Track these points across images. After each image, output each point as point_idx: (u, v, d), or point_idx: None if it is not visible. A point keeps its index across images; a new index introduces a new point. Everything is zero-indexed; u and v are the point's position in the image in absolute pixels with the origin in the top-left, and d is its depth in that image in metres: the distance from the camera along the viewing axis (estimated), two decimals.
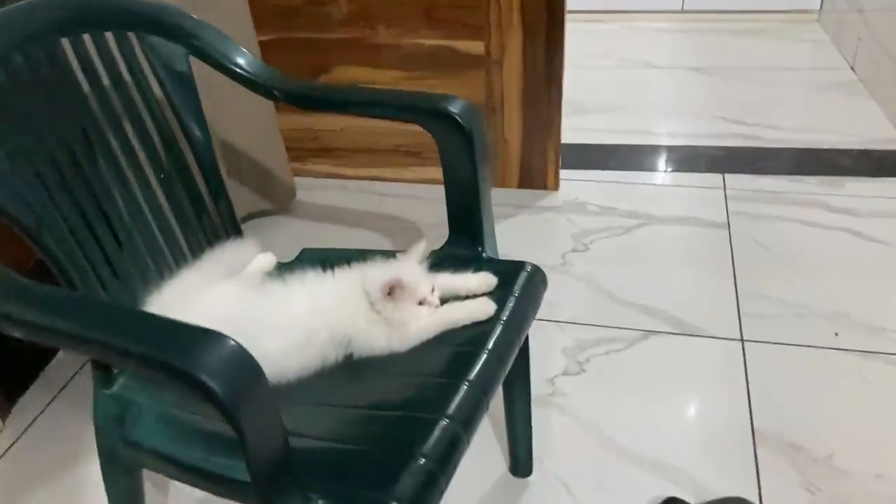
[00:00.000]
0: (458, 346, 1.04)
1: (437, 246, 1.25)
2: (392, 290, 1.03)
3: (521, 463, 1.41)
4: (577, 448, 1.47)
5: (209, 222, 1.22)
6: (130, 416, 0.99)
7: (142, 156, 1.13)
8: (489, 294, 1.11)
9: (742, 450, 1.44)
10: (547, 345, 1.73)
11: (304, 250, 1.29)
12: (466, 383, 0.97)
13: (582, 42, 3.51)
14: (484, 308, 1.07)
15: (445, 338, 1.05)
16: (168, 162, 1.17)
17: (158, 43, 1.14)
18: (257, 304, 1.07)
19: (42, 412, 1.62)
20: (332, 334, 1.02)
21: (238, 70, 1.18)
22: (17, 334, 0.77)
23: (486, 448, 1.47)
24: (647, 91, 3.05)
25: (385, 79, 2.22)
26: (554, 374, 1.65)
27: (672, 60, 3.33)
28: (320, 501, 0.83)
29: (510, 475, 1.42)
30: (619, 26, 3.72)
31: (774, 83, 3.04)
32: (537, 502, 1.37)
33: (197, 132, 1.19)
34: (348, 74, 2.23)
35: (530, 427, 1.37)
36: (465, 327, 1.07)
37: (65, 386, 1.67)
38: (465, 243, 1.22)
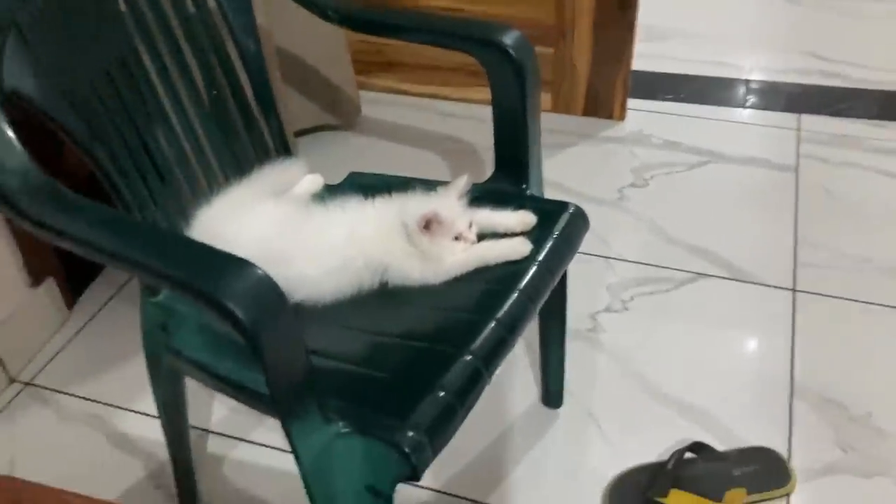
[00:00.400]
0: (491, 283, 1.05)
1: (486, 177, 1.25)
2: (429, 224, 1.04)
3: (551, 394, 1.43)
4: (611, 385, 1.49)
5: (259, 139, 1.23)
6: (173, 324, 1.04)
7: (193, 69, 1.15)
8: (527, 233, 1.11)
9: (778, 402, 1.44)
10: (592, 280, 1.73)
11: (351, 174, 1.30)
12: (494, 321, 0.99)
13: None
14: (519, 248, 1.08)
15: (479, 274, 1.06)
16: (219, 76, 1.18)
17: None
18: (298, 227, 1.10)
19: (104, 306, 1.71)
20: (367, 262, 1.05)
21: None
22: (62, 246, 0.81)
23: (519, 375, 1.50)
24: (731, 18, 2.90)
25: None
26: (596, 310, 1.65)
27: None
28: (340, 423, 0.87)
29: (541, 404, 1.46)
30: None
31: (873, 16, 2.85)
32: (564, 433, 1.41)
33: (250, 45, 1.19)
34: None
35: (563, 361, 1.39)
36: (499, 265, 1.07)
37: (123, 285, 1.76)
38: (509, 179, 1.22)
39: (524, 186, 1.21)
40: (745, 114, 2.29)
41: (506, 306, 1.01)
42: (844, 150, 2.09)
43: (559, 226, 1.14)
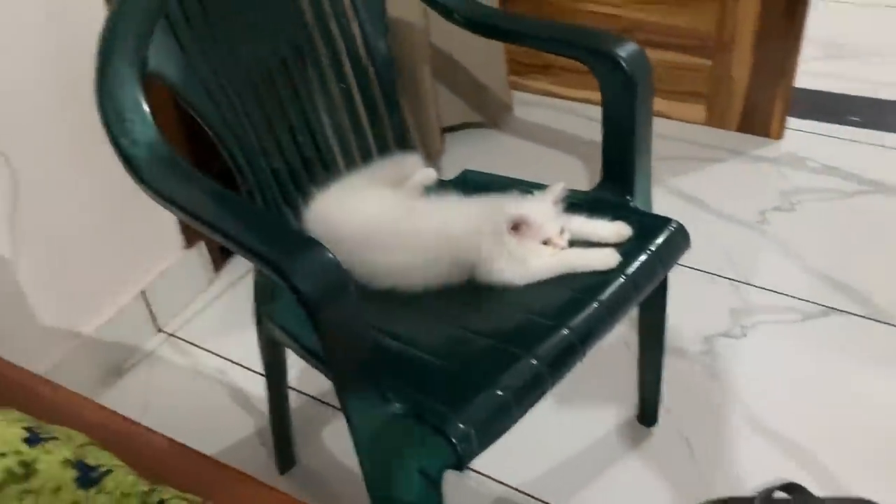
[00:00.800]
0: (574, 290, 1.06)
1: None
2: (517, 227, 1.06)
3: (645, 412, 1.41)
4: (711, 410, 1.45)
5: (381, 134, 1.31)
6: (277, 293, 1.14)
7: (326, 64, 1.24)
8: (620, 245, 1.11)
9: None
10: (714, 301, 1.67)
11: (464, 171, 1.35)
12: (567, 329, 1.00)
13: None
14: (605, 259, 1.08)
15: (565, 280, 1.07)
16: (351, 72, 1.27)
17: None
18: (399, 217, 1.16)
19: (246, 274, 1.87)
20: (456, 258, 1.09)
21: None
22: (172, 212, 0.92)
23: (622, 389, 1.48)
24: None
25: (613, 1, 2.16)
26: (712, 333, 1.60)
27: None
28: (396, 404, 0.92)
29: (636, 421, 1.44)
30: None
31: None
32: (653, 452, 1.38)
33: (381, 47, 1.27)
34: None
35: (659, 379, 1.37)
36: (588, 273, 1.08)
37: None
38: (614, 190, 1.21)
39: (628, 198, 1.21)
40: None
41: (582, 315, 1.02)
42: None
43: (656, 241, 1.12)
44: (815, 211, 1.89)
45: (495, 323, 1.04)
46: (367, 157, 1.31)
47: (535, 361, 0.96)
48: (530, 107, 2.42)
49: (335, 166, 1.27)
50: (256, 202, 1.13)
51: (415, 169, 1.32)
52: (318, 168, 1.25)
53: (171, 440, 0.89)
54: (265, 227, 0.88)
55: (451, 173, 1.36)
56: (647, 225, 1.15)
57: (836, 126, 2.19)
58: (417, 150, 1.34)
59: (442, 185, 1.31)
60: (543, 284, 1.08)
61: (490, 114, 2.31)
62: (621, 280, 1.07)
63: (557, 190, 1.11)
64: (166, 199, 0.91)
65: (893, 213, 1.87)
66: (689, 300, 1.67)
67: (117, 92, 0.96)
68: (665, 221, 1.16)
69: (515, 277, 1.08)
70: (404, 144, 1.34)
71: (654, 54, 2.14)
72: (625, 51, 1.12)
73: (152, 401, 1.57)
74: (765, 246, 1.81)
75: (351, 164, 1.29)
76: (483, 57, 2.18)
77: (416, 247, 1.11)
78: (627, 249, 1.10)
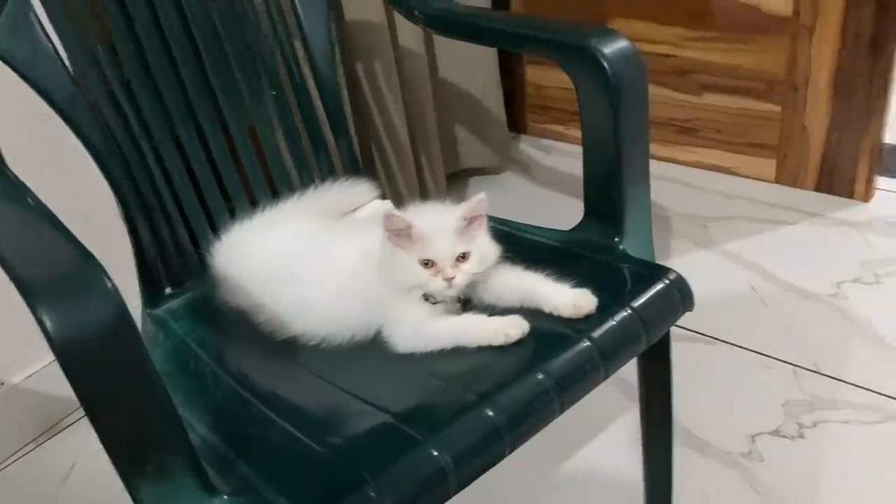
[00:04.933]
0: (514, 354, 0.78)
1: None
2: (399, 231, 0.79)
3: None
4: None
5: (325, 157, 1.08)
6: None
7: (262, 74, 1.03)
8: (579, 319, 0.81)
9: None
10: (766, 392, 1.33)
11: (416, 202, 1.10)
12: (491, 408, 0.71)
13: None
14: (507, 331, 0.78)
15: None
16: (286, 83, 1.06)
17: None
18: (314, 249, 0.92)
19: None
20: (366, 296, 0.84)
21: None
22: None
23: (626, 490, 1.16)
24: None
25: (666, 37, 1.88)
26: (760, 431, 1.25)
27: None
28: (226, 497, 0.65)
29: None
30: None
31: None
32: None
33: (319, 57, 1.05)
34: (626, 29, 1.91)
35: (667, 481, 1.04)
36: (546, 331, 0.79)
37: None
38: (598, 229, 0.93)
39: (616, 239, 0.92)
40: None
41: (516, 390, 0.73)
42: None
43: (641, 297, 0.83)
44: None
45: (400, 392, 0.77)
46: (309, 183, 1.08)
47: (436, 452, 0.68)
48: (541, 150, 2.20)
49: (264, 192, 1.05)
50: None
51: (365, 198, 1.09)
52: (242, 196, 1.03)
53: None
54: (26, 241, 0.63)
55: None
56: (634, 275, 0.86)
57: None
58: (370, 176, 1.10)
59: None
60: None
61: (493, 158, 2.06)
62: (583, 345, 0.78)
63: (474, 203, 0.82)
64: None
65: None
66: (736, 390, 1.34)
67: None
68: (660, 271, 0.86)
69: (393, 339, 0.82)
70: (356, 170, 1.10)
71: (716, 99, 1.91)
72: (607, 45, 0.86)
73: (80, 464, 1.35)
74: (838, 324, 1.45)
75: (286, 191, 1.06)
76: (481, 104, 1.97)
77: (327, 282, 0.86)
78: (602, 303, 0.81)
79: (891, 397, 1.28)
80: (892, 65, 1.64)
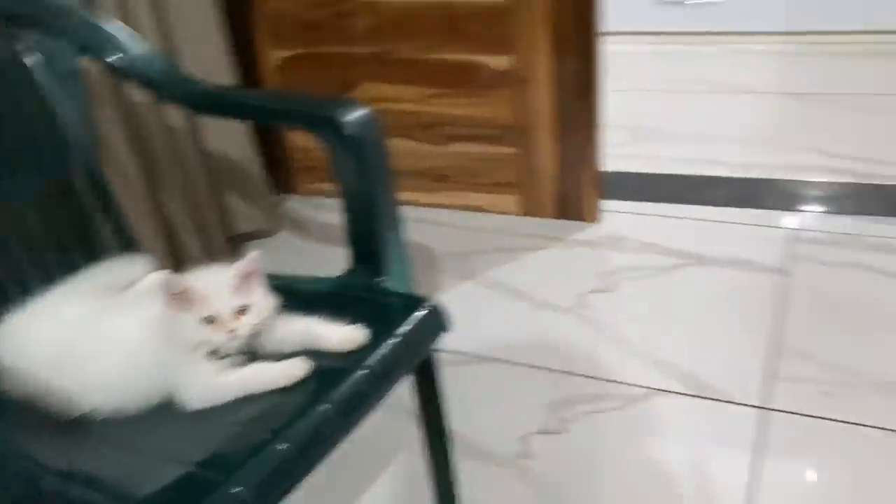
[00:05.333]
0: (299, 392, 0.87)
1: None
2: (177, 295, 0.86)
3: None
4: None
5: (96, 236, 1.11)
6: None
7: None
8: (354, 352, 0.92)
9: None
10: (529, 396, 1.51)
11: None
12: (284, 442, 0.80)
13: (674, 66, 3.27)
14: (288, 371, 0.88)
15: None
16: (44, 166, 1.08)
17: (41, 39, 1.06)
18: (95, 326, 0.95)
19: None
20: (152, 363, 0.89)
21: (126, 70, 1.08)
22: None
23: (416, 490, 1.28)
24: (734, 118, 2.74)
25: (409, 95, 2.08)
26: (527, 432, 1.43)
27: (769, 85, 3.00)
28: None
29: None
30: (717, 49, 3.39)
31: (885, 111, 2.65)
32: None
33: (78, 137, 1.09)
34: (374, 92, 2.11)
35: (451, 488, 1.17)
36: (325, 363, 0.89)
37: None
38: (364, 272, 1.05)
39: (380, 279, 1.04)
40: (733, 213, 2.08)
41: (307, 421, 0.83)
42: (845, 250, 1.85)
43: (405, 325, 0.96)
44: (632, 289, 1.80)
45: (199, 443, 0.83)
46: (80, 264, 1.10)
47: (237, 489, 0.75)
48: (314, 207, 2.33)
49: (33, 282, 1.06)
50: None
51: (141, 273, 1.12)
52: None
53: None
54: None
55: None
56: (398, 307, 0.99)
57: (654, 205, 2.14)
58: (146, 252, 1.15)
59: None
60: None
61: (263, 222, 2.15)
62: (360, 374, 0.89)
63: (246, 261, 0.91)
64: None
65: (709, 284, 1.79)
66: (504, 399, 1.51)
67: None
68: (420, 301, 1.00)
69: (186, 399, 0.88)
70: (128, 246, 1.15)
71: (461, 147, 2.13)
72: (346, 114, 0.99)
73: None
74: (583, 330, 1.68)
75: (55, 276, 1.08)
76: (245, 171, 2.05)
77: (112, 354, 0.90)
78: (373, 334, 0.93)
79: (628, 384, 1.51)
80: (595, 109, 1.94)
